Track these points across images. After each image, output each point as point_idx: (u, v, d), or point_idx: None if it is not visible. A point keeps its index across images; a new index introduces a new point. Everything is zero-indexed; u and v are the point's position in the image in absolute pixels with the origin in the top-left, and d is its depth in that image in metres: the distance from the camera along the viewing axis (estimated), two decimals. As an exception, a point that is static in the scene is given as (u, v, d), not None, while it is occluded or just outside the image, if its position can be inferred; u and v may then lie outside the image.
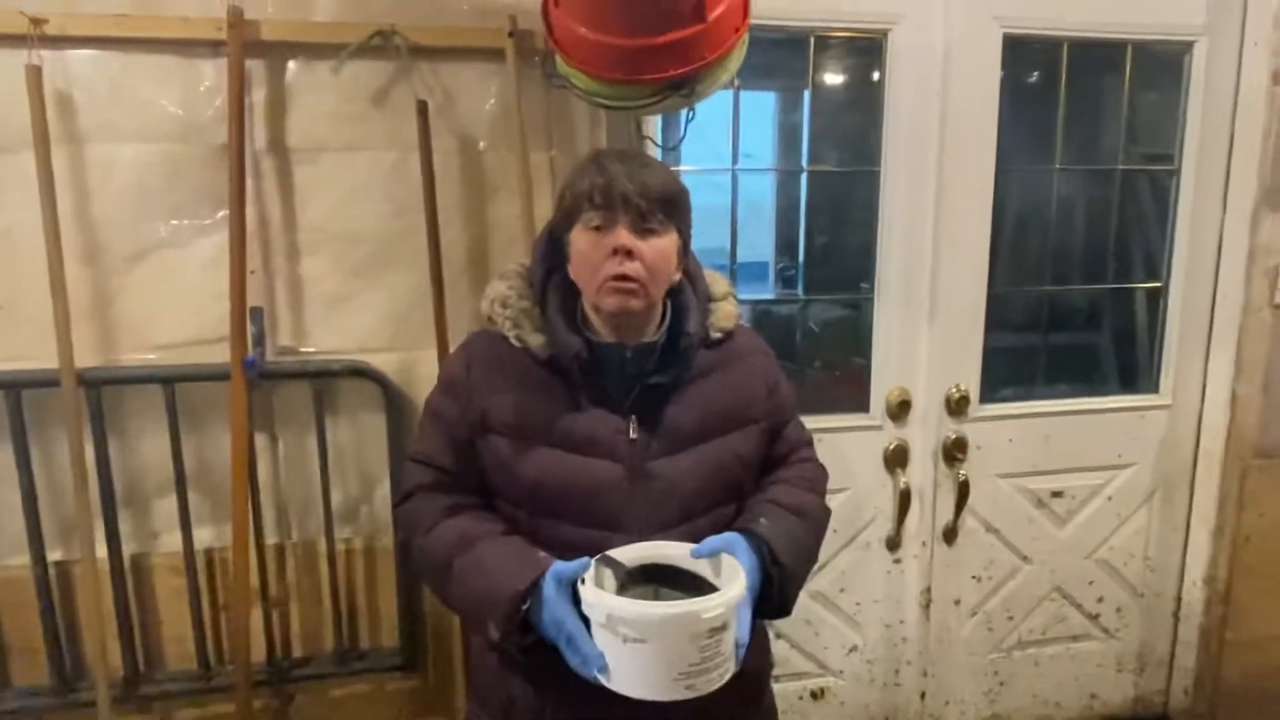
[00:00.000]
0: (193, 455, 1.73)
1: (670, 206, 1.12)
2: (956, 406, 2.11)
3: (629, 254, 1.09)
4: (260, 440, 1.75)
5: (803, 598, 2.07)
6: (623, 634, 0.96)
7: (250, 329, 1.67)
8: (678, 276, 1.19)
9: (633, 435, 1.16)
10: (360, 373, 1.73)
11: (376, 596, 1.86)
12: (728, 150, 1.96)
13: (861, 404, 2.11)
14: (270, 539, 1.78)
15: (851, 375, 2.15)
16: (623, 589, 1.06)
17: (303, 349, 1.74)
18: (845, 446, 2.09)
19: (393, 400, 1.74)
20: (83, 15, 1.54)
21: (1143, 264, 2.24)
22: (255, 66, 1.64)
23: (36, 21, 1.51)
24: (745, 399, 1.25)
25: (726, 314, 1.26)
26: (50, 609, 1.70)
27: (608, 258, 1.10)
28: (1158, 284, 2.22)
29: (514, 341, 1.18)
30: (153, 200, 1.65)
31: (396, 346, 1.76)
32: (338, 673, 1.84)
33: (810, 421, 2.02)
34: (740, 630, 1.03)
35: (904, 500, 2.11)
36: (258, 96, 1.65)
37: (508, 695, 1.21)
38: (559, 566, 1.05)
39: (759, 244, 2.38)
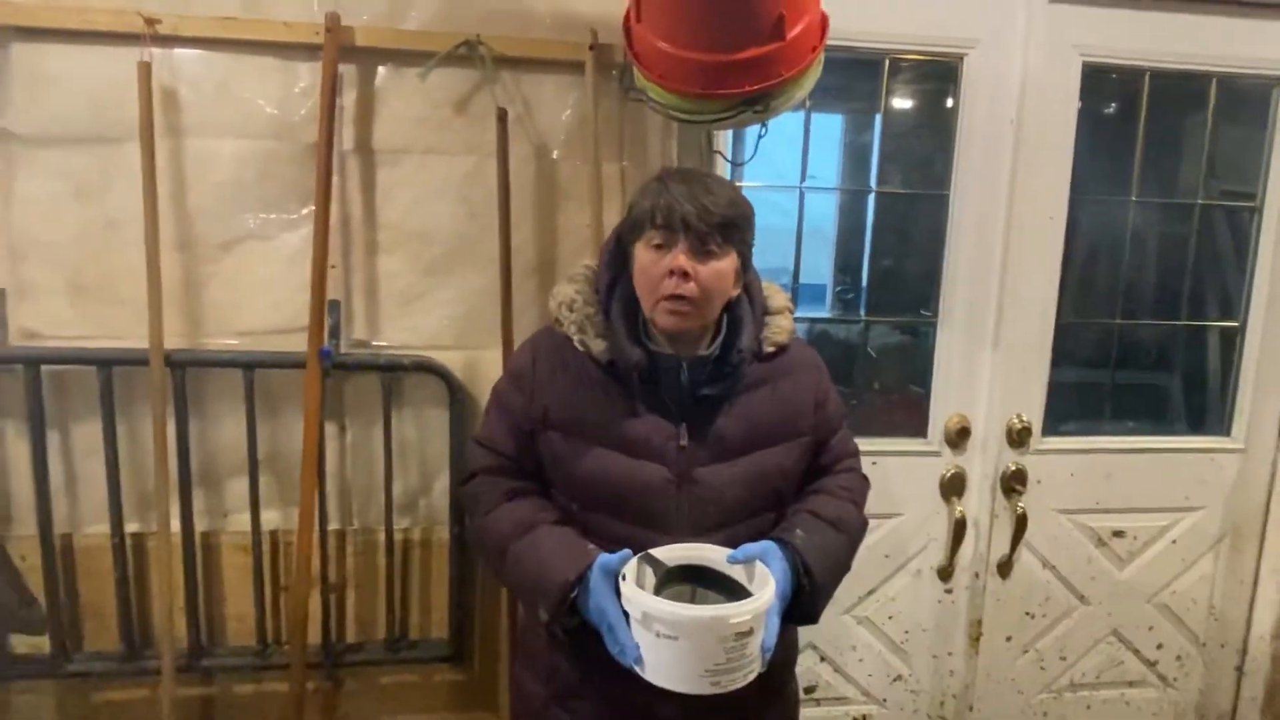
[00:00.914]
0: (266, 439, 1.80)
1: (730, 229, 1.16)
2: (1018, 437, 2.07)
3: (685, 275, 1.14)
4: (329, 429, 1.81)
5: (849, 622, 2.13)
6: (656, 630, 1.04)
7: (327, 321, 1.74)
8: (735, 293, 1.23)
9: (683, 442, 1.21)
10: (427, 368, 1.78)
11: (429, 588, 1.90)
12: (792, 170, 1.98)
13: (919, 429, 2.09)
14: (332, 525, 1.84)
15: (909, 400, 2.13)
16: (661, 586, 1.14)
17: (375, 343, 1.80)
18: (901, 471, 2.07)
19: (456, 396, 1.79)
20: (193, 17, 1.64)
21: (1218, 302, 2.18)
22: (347, 70, 1.71)
23: (151, 21, 1.61)
24: (792, 413, 1.29)
25: (781, 328, 1.30)
26: (124, 578, 1.78)
27: (665, 277, 1.14)
28: (1234, 323, 2.16)
29: (577, 345, 1.23)
30: (245, 194, 1.73)
31: (463, 345, 1.81)
32: (388, 660, 1.89)
33: (866, 444, 2.01)
34: (767, 636, 1.09)
35: (959, 529, 2.08)
36: (348, 99, 1.72)
37: (552, 663, 1.28)
38: (605, 559, 1.12)
39: (818, 266, 2.39)
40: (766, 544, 1.17)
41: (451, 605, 1.89)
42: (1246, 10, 1.97)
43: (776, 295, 1.33)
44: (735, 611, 1.04)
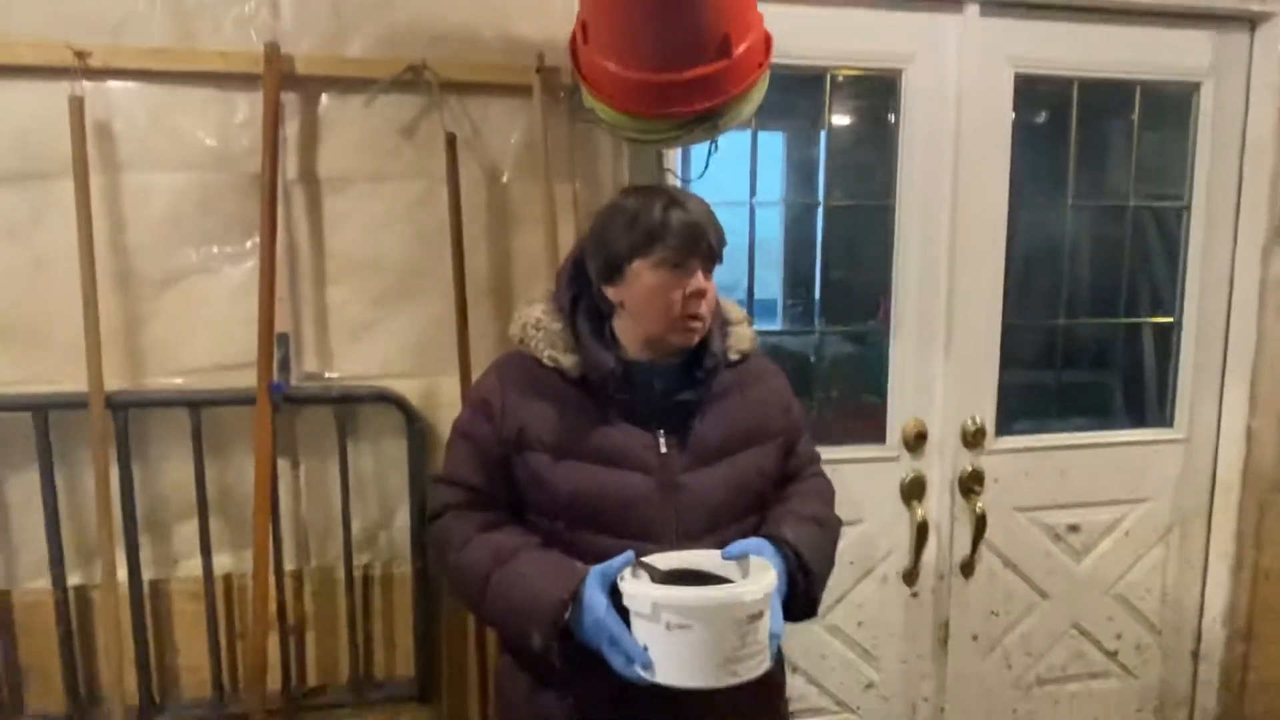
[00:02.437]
0: (215, 480, 1.73)
1: (723, 246, 1.21)
2: (973, 439, 2.11)
3: (702, 295, 1.17)
4: (282, 465, 1.75)
5: (819, 630, 2.13)
6: (666, 620, 1.01)
7: (276, 354, 1.69)
8: None
9: (663, 449, 1.22)
10: (383, 398, 1.74)
11: (393, 625, 1.85)
12: (739, 187, 1.99)
13: (877, 436, 2.12)
14: (288, 565, 1.78)
15: (866, 408, 2.16)
16: None
17: (327, 374, 1.76)
18: (861, 478, 2.10)
19: (414, 425, 1.75)
20: (125, 48, 1.59)
21: (1153, 299, 2.26)
22: (289, 99, 1.68)
23: (81, 54, 1.56)
24: (765, 416, 1.31)
25: (743, 337, 1.33)
26: (68, 634, 1.69)
27: (686, 298, 1.16)
28: (1169, 319, 2.24)
29: (547, 361, 1.23)
30: (186, 228, 1.68)
31: (419, 373, 1.78)
32: (353, 702, 1.82)
33: (826, 453, 2.04)
34: (774, 622, 1.09)
35: (921, 532, 2.11)
36: (291, 128, 1.69)
37: (535, 710, 1.24)
38: (599, 568, 1.10)
39: (768, 281, 2.40)
40: (758, 540, 1.18)
41: (417, 641, 1.83)
42: (1167, 20, 2.06)
43: (733, 308, 1.37)
44: (747, 589, 1.03)
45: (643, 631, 1.04)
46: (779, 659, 1.38)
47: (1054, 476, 2.19)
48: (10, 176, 1.60)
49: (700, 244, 1.17)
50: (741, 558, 1.15)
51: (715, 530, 1.22)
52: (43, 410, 1.63)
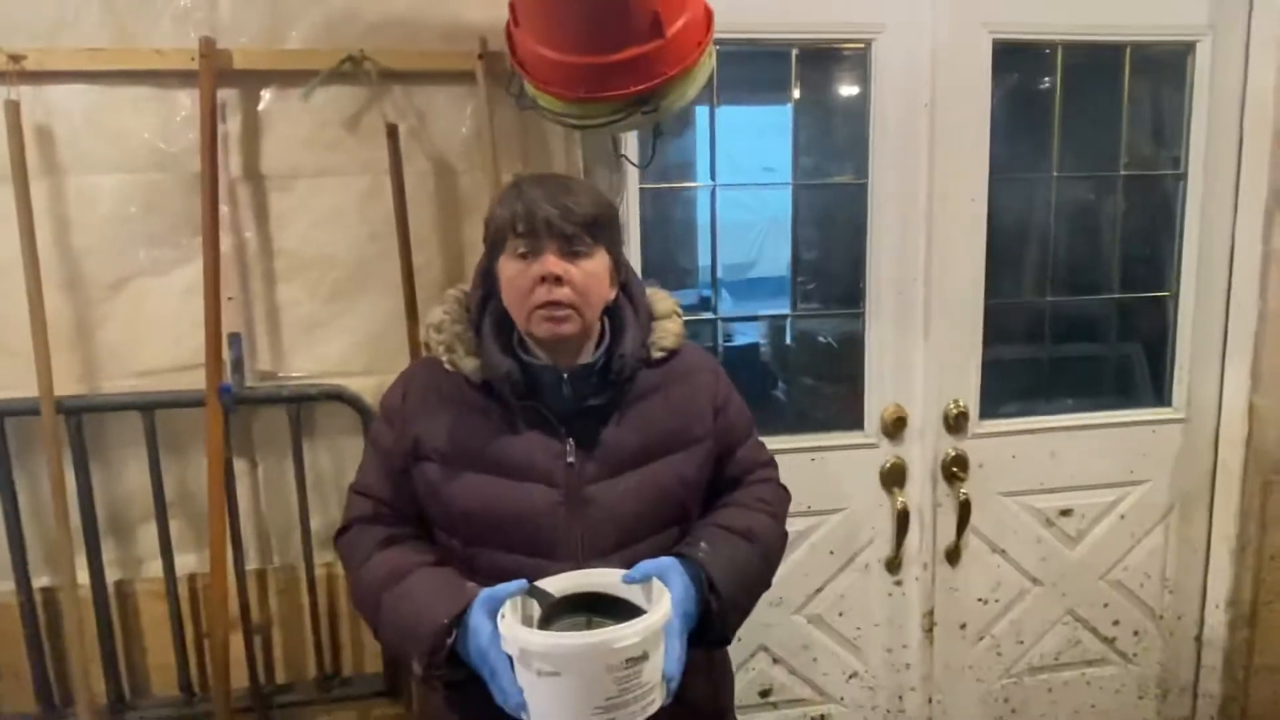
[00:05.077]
0: (174, 482, 1.73)
1: (596, 227, 1.11)
2: (955, 423, 2.04)
3: (558, 280, 1.08)
4: (240, 466, 1.75)
5: (800, 621, 2.09)
6: (536, 668, 0.94)
7: (229, 354, 1.68)
8: (613, 295, 1.18)
9: (570, 459, 1.14)
10: (336, 397, 1.72)
11: (359, 622, 1.84)
12: (750, 166, 1.97)
13: (856, 421, 2.06)
14: (251, 564, 1.78)
15: (845, 392, 2.09)
16: (550, 619, 1.03)
17: (282, 374, 1.74)
18: (840, 465, 2.04)
19: (369, 424, 1.73)
20: (60, 50, 1.57)
21: (1150, 272, 2.15)
22: (229, 95, 1.65)
23: (15, 58, 1.54)
24: (688, 418, 1.22)
25: (668, 332, 1.23)
26: (36, 636, 1.71)
27: (536, 285, 1.08)
28: (1166, 293, 2.13)
29: (447, 366, 1.17)
30: (132, 229, 1.66)
31: (373, 370, 1.75)
32: (321, 699, 1.83)
33: (802, 440, 2.02)
34: (668, 661, 1.00)
35: (902, 520, 2.05)
36: (232, 125, 1.66)
37: None
38: (487, 593, 1.03)
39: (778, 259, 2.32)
40: (666, 560, 1.09)
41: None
42: (1157, -25, 1.94)
43: (662, 300, 1.27)
44: (619, 635, 0.93)
45: (518, 674, 0.97)
46: (721, 673, 1.32)
47: (1043, 460, 2.11)
48: (-52, 184, 1.60)
49: (538, 227, 1.07)
50: (645, 580, 1.05)
51: (628, 546, 1.15)
52: (-2, 417, 1.64)
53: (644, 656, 0.96)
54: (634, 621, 0.96)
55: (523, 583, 1.03)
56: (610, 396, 1.16)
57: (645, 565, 1.07)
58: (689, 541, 1.17)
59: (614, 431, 1.16)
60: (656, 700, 0.99)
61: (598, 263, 1.12)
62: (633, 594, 1.07)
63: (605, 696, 0.94)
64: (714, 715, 1.29)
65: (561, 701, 0.95)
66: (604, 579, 1.08)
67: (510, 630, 0.97)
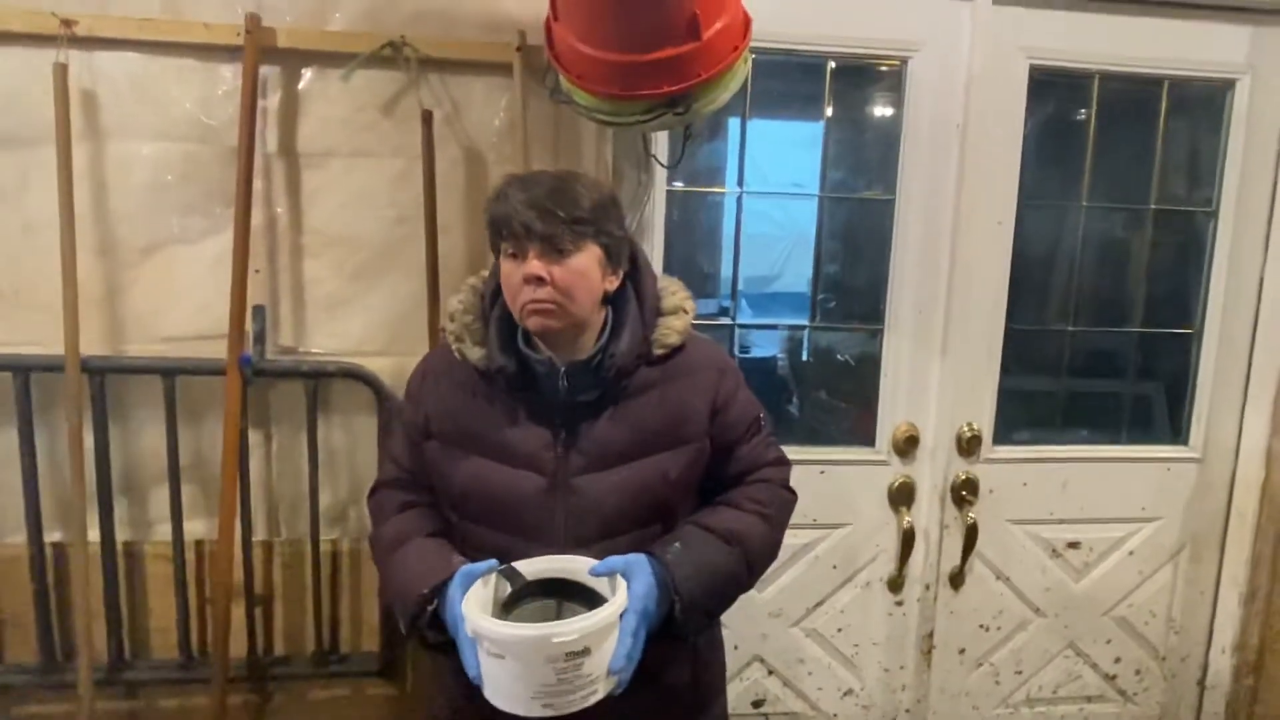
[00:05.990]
0: (189, 448, 1.76)
1: (580, 224, 1.11)
2: (968, 446, 2.03)
3: (540, 281, 1.11)
4: (255, 437, 1.77)
5: (798, 634, 2.08)
6: (486, 647, 1.01)
7: (252, 327, 1.70)
8: (612, 284, 1.19)
9: (559, 449, 1.18)
10: (354, 375, 1.74)
11: (360, 601, 1.86)
12: (779, 180, 1.98)
13: (868, 438, 2.05)
14: (258, 535, 1.80)
15: (859, 409, 2.08)
16: (517, 600, 1.10)
17: (302, 349, 1.77)
18: (849, 481, 2.03)
19: (385, 404, 1.75)
20: (111, 17, 1.61)
21: (1175, 309, 2.13)
22: (271, 72, 1.68)
23: (67, 23, 1.58)
24: (681, 417, 1.22)
25: (671, 329, 1.23)
26: (43, 589, 1.74)
27: (523, 284, 1.12)
28: (1189, 330, 2.11)
29: (456, 354, 1.21)
30: (167, 197, 1.70)
31: (391, 351, 1.77)
32: (317, 674, 1.84)
33: (812, 453, 2.01)
34: (615, 657, 1.04)
35: (908, 540, 2.04)
36: (271, 101, 1.69)
37: (450, 698, 1.26)
38: (467, 569, 1.09)
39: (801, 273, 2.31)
40: (634, 557, 1.12)
41: (383, 618, 1.84)
42: (1198, 12, 1.93)
43: (671, 295, 1.26)
44: (559, 631, 0.99)
45: (478, 649, 1.04)
46: (711, 655, 1.34)
47: (1055, 489, 2.09)
48: (-1, 141, 1.64)
49: (518, 229, 1.09)
50: (611, 574, 1.10)
51: (609, 537, 1.17)
52: (23, 371, 1.67)
53: (585, 651, 1.01)
54: (577, 619, 1.02)
55: (494, 563, 1.09)
56: (601, 393, 1.18)
57: (613, 560, 1.10)
58: (666, 540, 1.18)
59: (605, 426, 1.19)
60: (599, 691, 1.04)
61: (584, 258, 1.13)
62: (600, 585, 1.11)
63: (543, 684, 1.00)
64: (695, 699, 1.31)
65: (506, 681, 1.02)
66: (575, 565, 1.12)
67: (467, 611, 1.03)
